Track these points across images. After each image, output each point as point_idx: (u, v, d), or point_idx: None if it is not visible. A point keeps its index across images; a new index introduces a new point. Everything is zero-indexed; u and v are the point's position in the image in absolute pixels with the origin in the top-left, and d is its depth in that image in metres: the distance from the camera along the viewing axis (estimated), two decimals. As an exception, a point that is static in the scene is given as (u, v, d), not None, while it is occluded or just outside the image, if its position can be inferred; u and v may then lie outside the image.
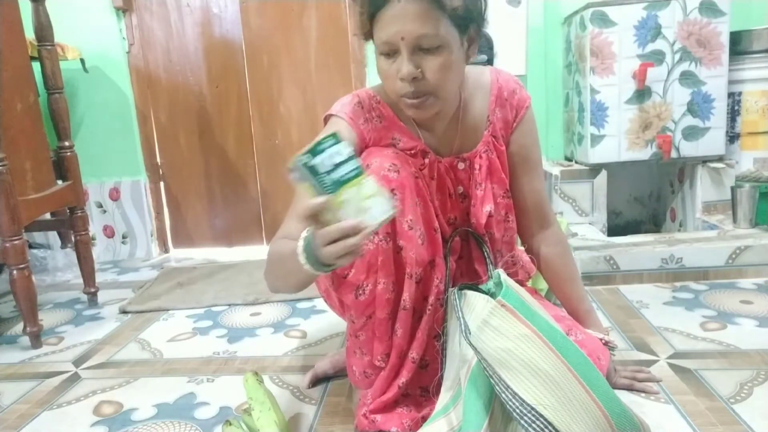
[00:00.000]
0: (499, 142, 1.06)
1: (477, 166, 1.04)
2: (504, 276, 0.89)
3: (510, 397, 0.78)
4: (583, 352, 0.83)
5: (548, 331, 0.82)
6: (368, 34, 0.92)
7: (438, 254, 0.98)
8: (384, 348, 0.98)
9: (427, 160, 1.01)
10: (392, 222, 0.92)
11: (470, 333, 0.82)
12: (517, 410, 0.77)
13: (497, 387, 0.79)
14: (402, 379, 0.98)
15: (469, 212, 1.06)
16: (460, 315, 0.85)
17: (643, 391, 1.09)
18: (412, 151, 1.00)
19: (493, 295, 0.89)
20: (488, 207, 1.04)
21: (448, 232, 1.05)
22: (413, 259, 0.93)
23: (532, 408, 0.76)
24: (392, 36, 0.85)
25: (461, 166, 1.04)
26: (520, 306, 0.83)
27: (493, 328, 0.80)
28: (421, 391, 1.02)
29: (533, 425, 0.76)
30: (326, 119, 1.04)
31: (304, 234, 0.79)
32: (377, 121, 1.00)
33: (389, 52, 0.88)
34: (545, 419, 0.76)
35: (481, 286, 0.93)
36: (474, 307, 0.85)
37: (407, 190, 0.93)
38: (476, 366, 0.85)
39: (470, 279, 1.03)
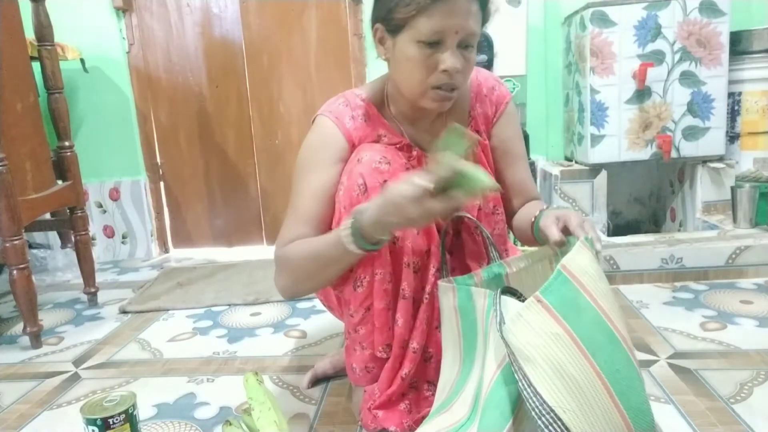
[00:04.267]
0: (482, 137, 1.07)
1: None
2: (565, 267, 0.80)
3: (531, 394, 0.75)
4: (634, 361, 0.80)
5: (589, 335, 0.78)
6: (406, 19, 0.89)
7: (433, 243, 0.98)
8: (385, 339, 0.99)
9: (415, 153, 1.03)
10: None
11: (504, 324, 0.80)
12: (537, 409, 0.75)
13: (521, 383, 0.76)
14: (405, 370, 0.99)
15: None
16: (498, 307, 0.82)
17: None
18: (398, 146, 1.02)
19: (498, 276, 0.90)
20: (477, 200, 1.05)
21: (441, 225, 1.05)
22: (410, 248, 0.95)
23: (552, 410, 0.74)
24: (448, 27, 0.87)
25: None
26: (563, 304, 0.78)
27: (526, 322, 0.77)
28: (428, 385, 1.03)
29: (550, 427, 0.74)
30: (314, 120, 1.06)
31: (348, 220, 0.87)
32: (362, 119, 1.02)
33: (434, 42, 0.89)
34: (563, 423, 0.74)
35: (481, 270, 0.94)
36: (509, 303, 0.84)
37: None
38: (508, 366, 0.83)
39: (462, 273, 1.02)
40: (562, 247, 0.88)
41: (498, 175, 1.10)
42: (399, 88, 0.99)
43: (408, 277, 0.96)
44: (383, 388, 1.00)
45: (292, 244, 0.98)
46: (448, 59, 0.89)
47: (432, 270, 0.97)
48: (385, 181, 0.93)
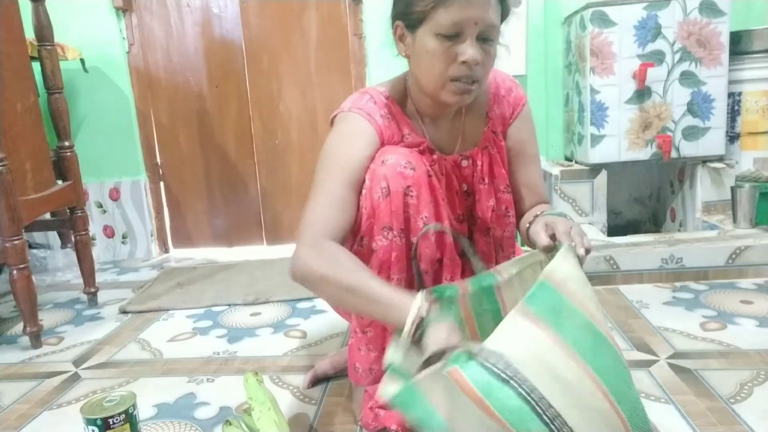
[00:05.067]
0: (498, 138, 1.07)
1: (479, 163, 1.05)
2: (546, 276, 0.80)
3: (544, 408, 0.72)
4: (623, 359, 0.80)
5: (579, 339, 0.77)
6: (425, 12, 0.89)
7: (446, 254, 0.98)
8: None
9: (435, 156, 1.02)
10: (407, 219, 0.93)
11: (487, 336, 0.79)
12: (552, 424, 0.71)
13: (529, 397, 0.72)
14: None
15: (473, 208, 1.06)
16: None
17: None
18: (420, 148, 1.01)
19: (489, 288, 0.89)
20: (491, 201, 1.05)
21: (457, 229, 1.05)
22: (428, 255, 0.95)
23: (558, 415, 0.73)
24: (467, 19, 0.87)
25: (465, 164, 1.05)
26: (546, 311, 0.77)
27: (518, 330, 0.75)
28: None
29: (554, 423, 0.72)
30: (334, 118, 1.03)
31: (412, 317, 0.77)
32: (389, 117, 1.00)
33: (453, 35, 0.88)
34: (563, 419, 0.73)
35: (468, 281, 0.91)
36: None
37: (423, 188, 0.94)
38: None
39: (472, 274, 1.02)
40: (551, 252, 0.89)
41: (511, 176, 1.10)
42: (419, 83, 0.97)
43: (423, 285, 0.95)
44: None
45: (338, 251, 0.89)
46: (468, 50, 0.88)
47: (444, 282, 0.97)
48: (408, 186, 0.92)
